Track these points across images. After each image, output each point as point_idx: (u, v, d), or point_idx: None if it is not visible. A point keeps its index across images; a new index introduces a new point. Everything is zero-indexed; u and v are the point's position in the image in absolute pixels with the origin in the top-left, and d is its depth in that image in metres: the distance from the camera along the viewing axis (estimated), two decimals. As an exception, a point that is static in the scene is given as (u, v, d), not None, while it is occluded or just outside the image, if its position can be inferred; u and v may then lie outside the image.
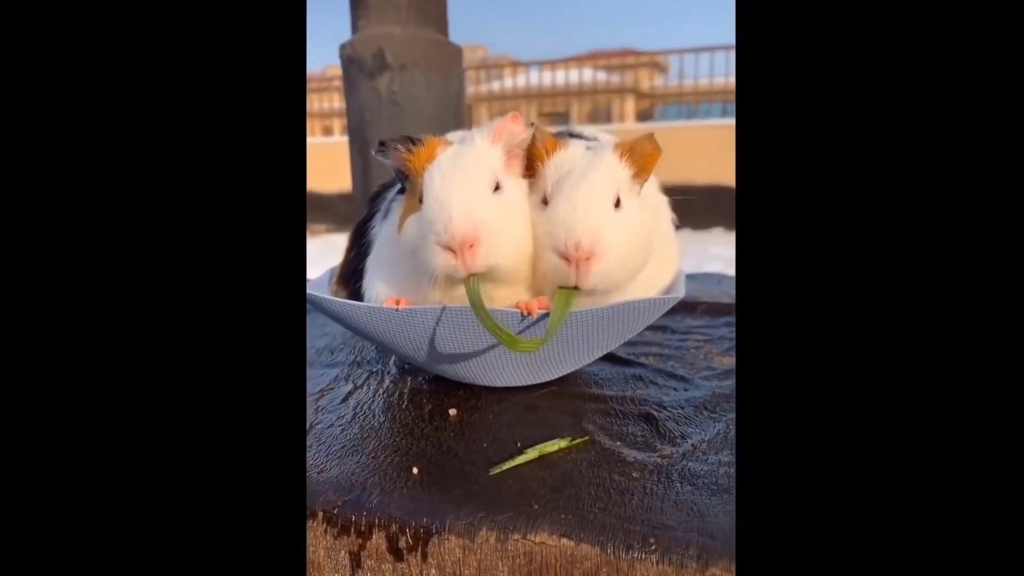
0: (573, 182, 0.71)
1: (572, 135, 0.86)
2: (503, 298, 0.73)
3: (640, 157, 0.74)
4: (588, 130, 0.89)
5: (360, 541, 0.58)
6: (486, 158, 0.72)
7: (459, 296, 0.71)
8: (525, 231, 0.72)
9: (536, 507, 0.56)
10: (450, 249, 0.67)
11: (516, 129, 0.75)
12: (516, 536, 0.54)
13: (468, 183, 0.69)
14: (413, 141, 0.74)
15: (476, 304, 0.67)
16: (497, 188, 0.71)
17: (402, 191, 0.79)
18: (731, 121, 7.11)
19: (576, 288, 0.70)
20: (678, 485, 0.60)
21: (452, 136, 0.80)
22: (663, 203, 0.87)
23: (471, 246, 0.67)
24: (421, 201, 0.71)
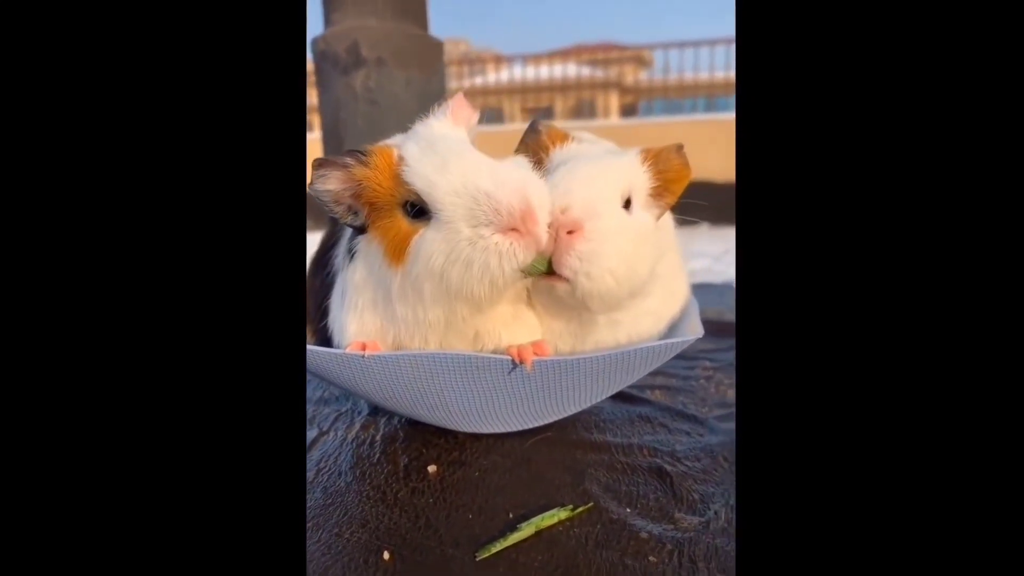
0: (580, 160, 0.61)
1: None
2: (496, 319, 0.62)
3: (664, 169, 0.63)
4: (599, 141, 0.77)
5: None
6: (461, 137, 0.60)
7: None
8: None
9: (534, 612, 0.46)
10: (513, 230, 0.53)
11: (469, 111, 0.64)
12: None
13: (470, 157, 0.56)
14: (362, 152, 0.59)
15: (538, 269, 0.56)
16: None
17: (360, 230, 0.61)
18: (715, 116, 7.01)
19: (548, 271, 0.56)
20: (705, 572, 0.49)
21: (392, 141, 0.64)
22: (670, 224, 0.75)
23: (531, 215, 0.53)
24: (415, 216, 0.56)
